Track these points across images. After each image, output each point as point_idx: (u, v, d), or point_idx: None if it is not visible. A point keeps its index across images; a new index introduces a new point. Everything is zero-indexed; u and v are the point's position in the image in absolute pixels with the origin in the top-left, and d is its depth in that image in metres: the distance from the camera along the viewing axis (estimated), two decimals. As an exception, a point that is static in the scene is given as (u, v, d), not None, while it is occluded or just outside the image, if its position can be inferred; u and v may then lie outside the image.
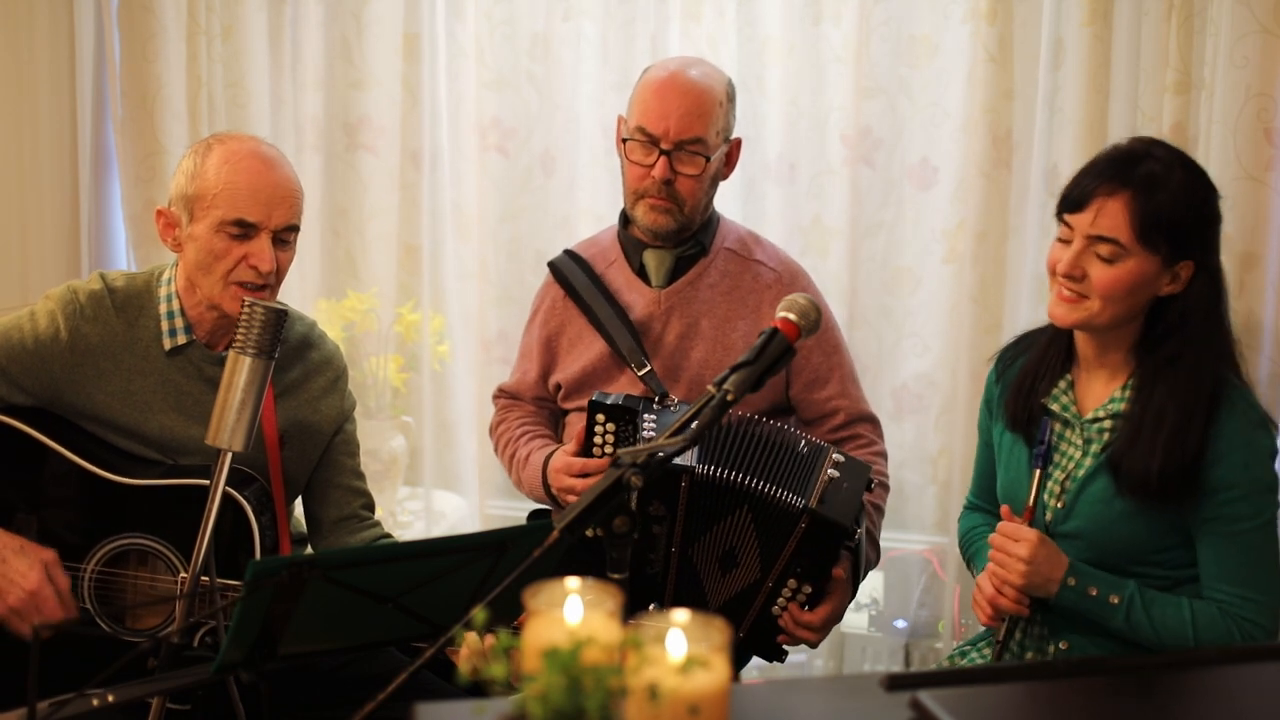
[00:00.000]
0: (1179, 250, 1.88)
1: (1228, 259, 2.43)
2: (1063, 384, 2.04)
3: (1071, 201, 1.92)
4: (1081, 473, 1.99)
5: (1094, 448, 1.99)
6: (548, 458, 2.32)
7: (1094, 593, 1.93)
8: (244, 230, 2.02)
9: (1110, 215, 1.87)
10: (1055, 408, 2.04)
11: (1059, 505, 2.01)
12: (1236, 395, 1.92)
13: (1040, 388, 2.05)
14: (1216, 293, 1.94)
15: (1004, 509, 2.04)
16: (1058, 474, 2.03)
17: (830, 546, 2.08)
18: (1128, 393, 1.96)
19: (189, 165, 2.06)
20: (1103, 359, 2.00)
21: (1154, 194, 1.86)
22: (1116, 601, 1.92)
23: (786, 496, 2.07)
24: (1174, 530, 1.94)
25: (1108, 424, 1.97)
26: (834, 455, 2.17)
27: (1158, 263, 1.88)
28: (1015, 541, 1.96)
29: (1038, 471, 2.01)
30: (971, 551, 2.26)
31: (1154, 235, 1.86)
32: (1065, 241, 1.93)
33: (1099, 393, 2.01)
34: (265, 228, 2.03)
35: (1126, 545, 1.96)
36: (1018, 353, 2.15)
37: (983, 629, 2.18)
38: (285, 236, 2.07)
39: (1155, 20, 2.56)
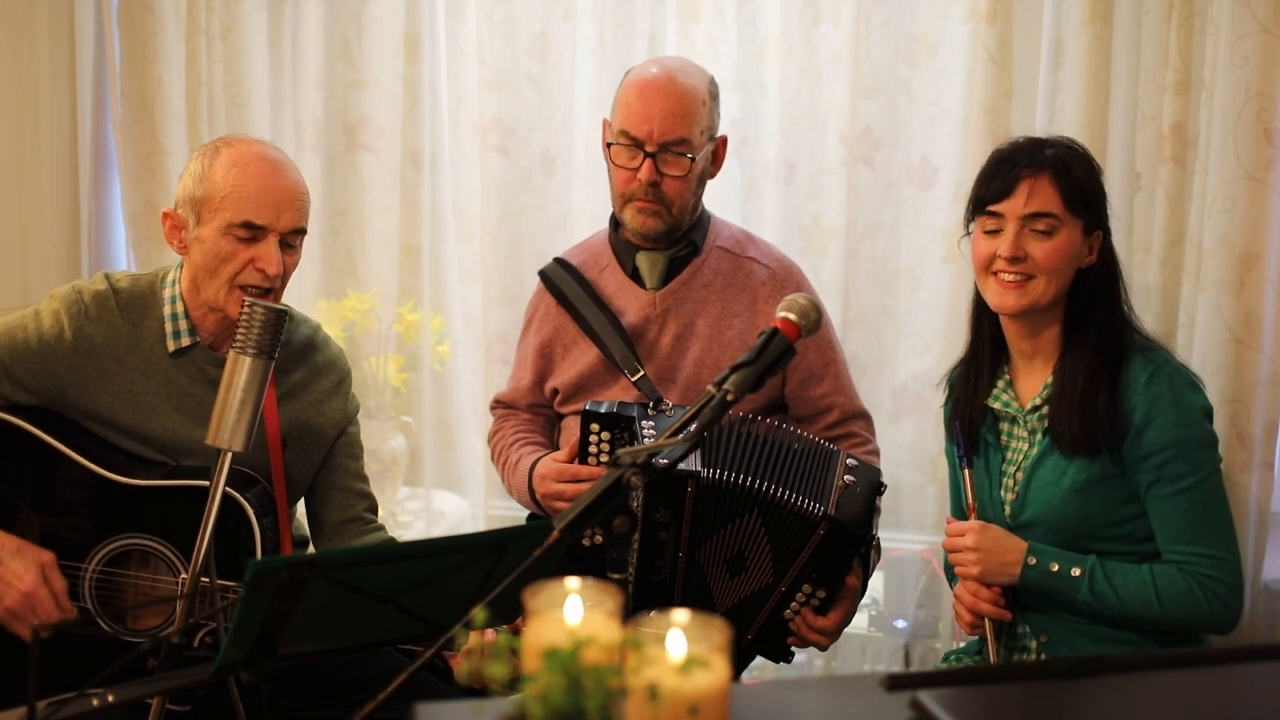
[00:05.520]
0: (1094, 220, 2.04)
1: (1228, 259, 2.44)
2: (1000, 383, 2.12)
3: (995, 193, 2.02)
4: (1029, 462, 2.05)
5: (1038, 436, 2.06)
6: (534, 464, 2.32)
7: (1055, 568, 1.99)
8: (252, 233, 2.03)
9: (1041, 191, 2.00)
10: (997, 406, 2.11)
11: (1013, 498, 2.07)
12: (1158, 357, 2.01)
13: (980, 390, 2.13)
14: (1115, 262, 2.08)
15: (948, 518, 2.13)
16: (1010, 469, 2.09)
17: (847, 552, 2.08)
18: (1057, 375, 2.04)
19: (196, 168, 2.06)
20: (1035, 346, 2.08)
21: (1070, 169, 2.02)
22: (1079, 574, 1.98)
23: (803, 502, 2.05)
24: (1126, 501, 2.00)
25: (1045, 409, 2.04)
26: (847, 460, 2.17)
27: (1081, 231, 2.02)
28: (960, 537, 2.05)
29: (967, 472, 2.10)
30: (953, 571, 2.28)
31: (1079, 204, 2.01)
32: (993, 233, 2.03)
33: (1035, 381, 2.08)
34: (273, 230, 2.04)
35: (1082, 521, 2.01)
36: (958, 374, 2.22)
37: (975, 639, 2.19)
38: (291, 240, 2.08)
39: (1155, 20, 2.56)
